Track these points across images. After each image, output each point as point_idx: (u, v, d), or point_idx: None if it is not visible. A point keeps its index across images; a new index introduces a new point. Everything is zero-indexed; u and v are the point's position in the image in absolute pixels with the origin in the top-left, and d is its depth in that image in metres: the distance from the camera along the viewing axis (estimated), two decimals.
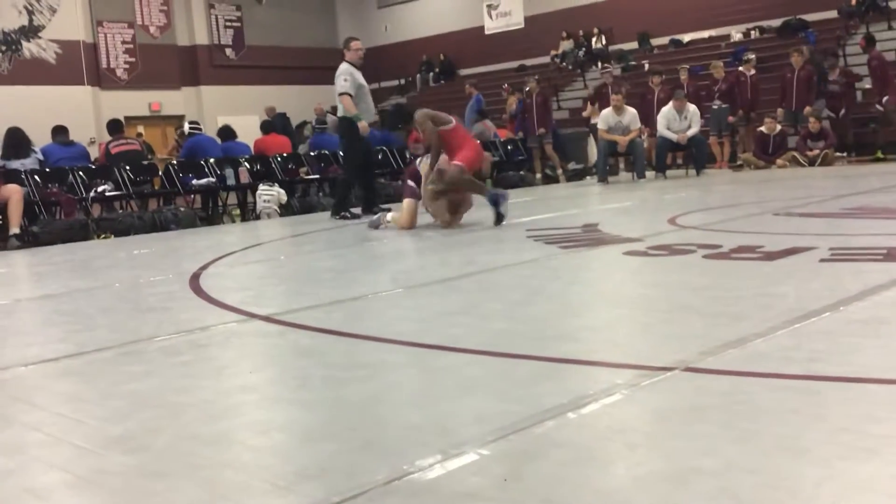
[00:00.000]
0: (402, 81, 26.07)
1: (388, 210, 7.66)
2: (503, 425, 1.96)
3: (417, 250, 5.98)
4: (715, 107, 13.29)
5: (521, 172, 13.86)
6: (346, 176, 9.21)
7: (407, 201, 7.10)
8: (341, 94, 8.65)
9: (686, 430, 1.90)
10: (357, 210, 9.06)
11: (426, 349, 2.82)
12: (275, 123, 13.83)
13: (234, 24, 25.15)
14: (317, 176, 11.83)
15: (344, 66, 8.80)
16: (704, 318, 3.01)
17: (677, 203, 7.75)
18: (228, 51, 25.02)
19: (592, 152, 13.79)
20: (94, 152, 14.02)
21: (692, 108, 12.22)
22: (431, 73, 25.67)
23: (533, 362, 2.55)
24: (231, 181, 10.84)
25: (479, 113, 14.87)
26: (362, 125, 8.65)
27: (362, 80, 8.80)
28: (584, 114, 14.19)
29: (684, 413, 2.01)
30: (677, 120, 12.07)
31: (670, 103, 12.30)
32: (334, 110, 10.53)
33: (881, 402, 1.96)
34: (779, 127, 12.83)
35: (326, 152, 12.23)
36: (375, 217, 7.48)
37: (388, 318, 3.44)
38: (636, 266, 4.43)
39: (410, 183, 7.17)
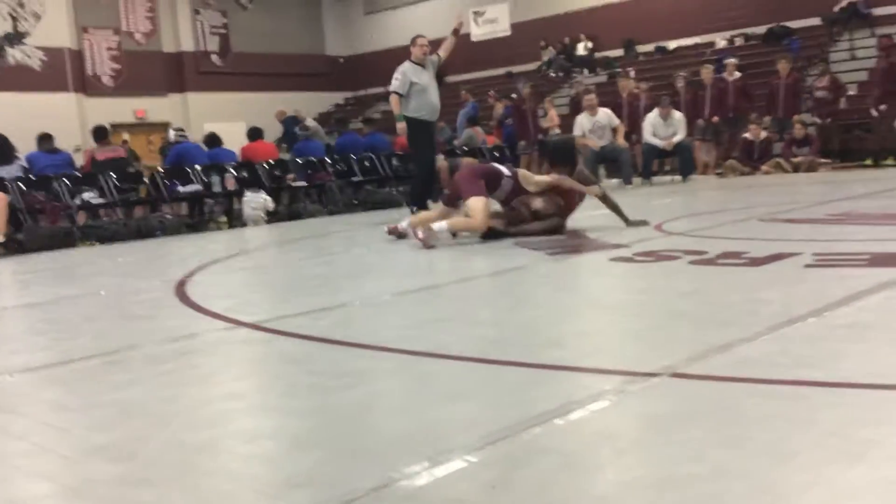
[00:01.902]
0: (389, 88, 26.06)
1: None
2: (491, 431, 1.96)
3: (405, 257, 5.97)
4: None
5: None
6: (417, 171, 9.22)
7: (478, 199, 5.97)
8: (390, 93, 8.71)
9: (673, 435, 1.90)
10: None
11: (414, 356, 2.82)
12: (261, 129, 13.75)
13: (220, 30, 25.12)
14: (304, 183, 11.81)
15: (403, 65, 8.76)
16: (691, 323, 3.02)
17: (663, 209, 7.78)
18: (214, 57, 24.98)
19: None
20: (80, 160, 13.94)
21: (678, 114, 12.29)
22: None
23: (521, 369, 2.55)
24: (217, 188, 10.81)
25: (469, 119, 14.90)
26: (400, 126, 8.65)
27: (419, 78, 8.62)
28: (547, 123, 14.22)
29: (671, 419, 2.01)
30: (663, 126, 12.13)
31: (655, 110, 12.36)
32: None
33: (867, 407, 1.97)
34: (764, 133, 12.91)
35: (313, 159, 12.21)
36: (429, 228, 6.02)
37: (375, 325, 3.43)
38: (623, 272, 4.44)
39: (482, 184, 6.09)
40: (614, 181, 12.69)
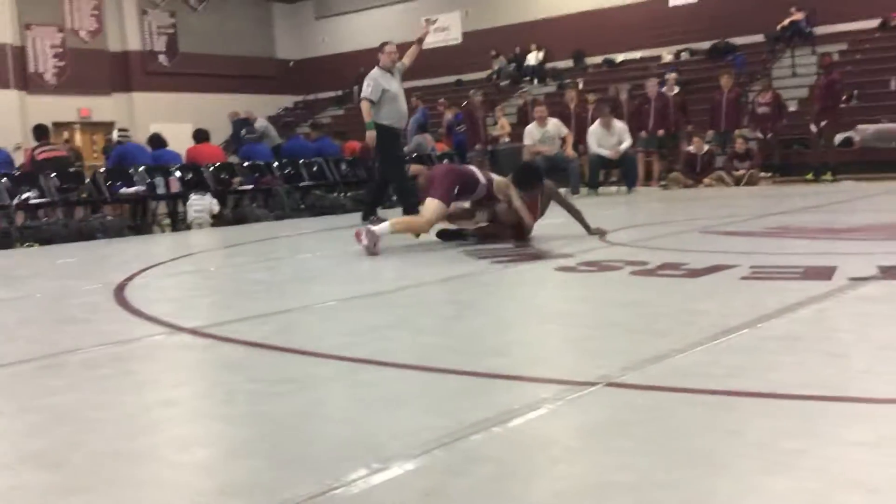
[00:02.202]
0: (340, 93, 26.01)
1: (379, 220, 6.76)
2: (430, 439, 1.97)
3: (351, 264, 5.95)
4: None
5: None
6: (382, 178, 9.18)
7: (436, 202, 5.95)
8: (361, 100, 8.66)
9: (607, 444, 1.93)
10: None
11: (355, 363, 2.81)
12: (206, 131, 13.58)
13: (168, 30, 24.78)
14: (250, 186, 11.70)
15: (373, 71, 8.74)
16: (628, 333, 3.07)
17: (608, 220, 7.87)
18: (161, 57, 24.63)
19: None
20: (20, 158, 13.61)
21: (619, 124, 12.47)
22: None
23: (461, 377, 2.57)
24: (161, 190, 10.65)
25: (419, 126, 14.91)
26: (370, 134, 8.61)
27: (390, 86, 8.61)
28: (498, 131, 14.32)
29: (606, 428, 2.05)
30: (606, 136, 12.28)
31: (598, 121, 12.53)
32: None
33: (795, 417, 2.03)
34: (706, 147, 13.18)
35: (260, 162, 12.10)
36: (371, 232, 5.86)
37: (318, 332, 3.42)
38: (566, 282, 4.49)
39: (455, 190, 6.08)
40: (562, 190, 12.81)
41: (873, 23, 17.19)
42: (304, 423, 2.21)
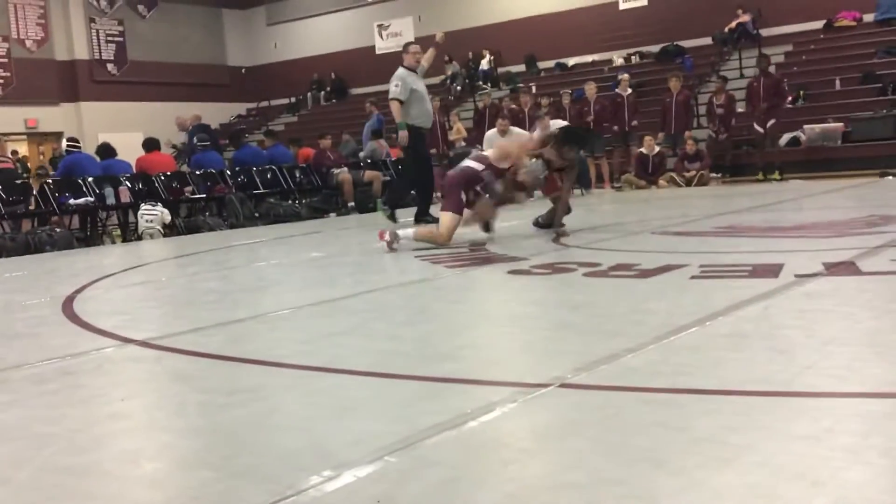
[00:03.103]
0: (293, 99, 25.88)
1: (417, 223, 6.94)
2: (382, 446, 1.97)
3: (305, 270, 5.93)
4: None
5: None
6: (404, 180, 9.22)
7: (449, 215, 6.21)
8: (391, 100, 8.63)
9: (558, 445, 1.95)
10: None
11: (308, 371, 2.80)
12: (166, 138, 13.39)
13: (117, 38, 24.41)
14: (203, 195, 11.58)
15: (399, 71, 8.72)
16: (581, 334, 3.10)
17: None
18: (110, 66, 24.25)
19: None
20: None
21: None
22: (322, 92, 25.57)
23: (414, 382, 2.57)
24: (111, 200, 10.48)
25: (374, 132, 14.88)
26: (402, 134, 8.60)
27: (417, 86, 8.64)
28: (454, 136, 14.37)
29: (557, 428, 2.06)
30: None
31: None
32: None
33: (739, 413, 2.06)
34: (657, 148, 13.36)
35: (212, 171, 11.98)
36: (395, 233, 6.27)
37: (270, 340, 3.40)
38: (520, 285, 4.52)
39: (462, 196, 6.25)
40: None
41: (818, 24, 17.57)
42: (255, 432, 2.19)
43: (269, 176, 12.50)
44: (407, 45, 8.88)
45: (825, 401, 2.14)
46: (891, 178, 11.55)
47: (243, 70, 27.77)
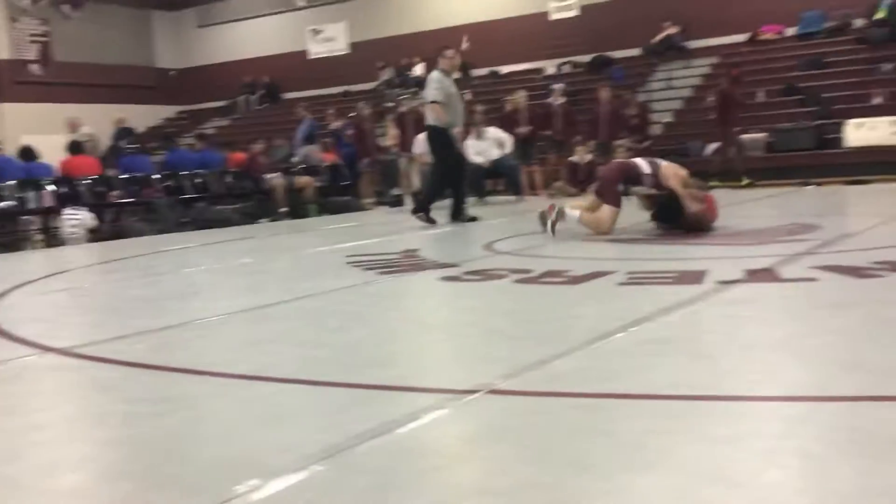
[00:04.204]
0: (225, 103, 25.50)
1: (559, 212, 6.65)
2: (311, 454, 1.95)
3: (235, 277, 5.85)
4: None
5: (346, 197, 13.86)
6: (436, 181, 9.16)
7: (608, 209, 6.44)
8: (432, 102, 8.66)
9: (486, 451, 1.97)
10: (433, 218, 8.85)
11: (236, 379, 2.76)
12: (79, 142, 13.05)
13: (41, 38, 23.69)
14: (131, 199, 11.32)
15: (435, 74, 8.83)
16: (511, 341, 3.12)
17: (495, 228, 8.02)
18: (34, 66, 23.52)
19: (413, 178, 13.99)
20: None
21: (491, 130, 12.71)
22: (255, 96, 25.27)
23: (343, 389, 2.56)
24: (33, 204, 10.16)
25: (307, 137, 14.77)
26: (457, 130, 8.70)
27: (453, 89, 8.77)
28: (389, 142, 14.37)
29: (485, 435, 2.08)
30: (479, 144, 12.48)
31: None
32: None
33: (662, 417, 2.11)
34: (588, 157, 13.56)
35: (140, 174, 11.72)
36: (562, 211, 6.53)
37: (198, 348, 3.34)
38: (451, 291, 4.54)
39: (619, 188, 6.57)
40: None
41: (742, 37, 18.09)
42: (180, 443, 2.16)
43: (198, 180, 12.28)
44: (443, 48, 9.00)
45: (744, 404, 2.21)
46: (811, 187, 11.95)
47: (172, 72, 27.26)
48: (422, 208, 8.92)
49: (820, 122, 14.14)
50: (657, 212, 6.41)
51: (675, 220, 6.25)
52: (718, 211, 6.50)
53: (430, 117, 8.79)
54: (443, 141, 8.74)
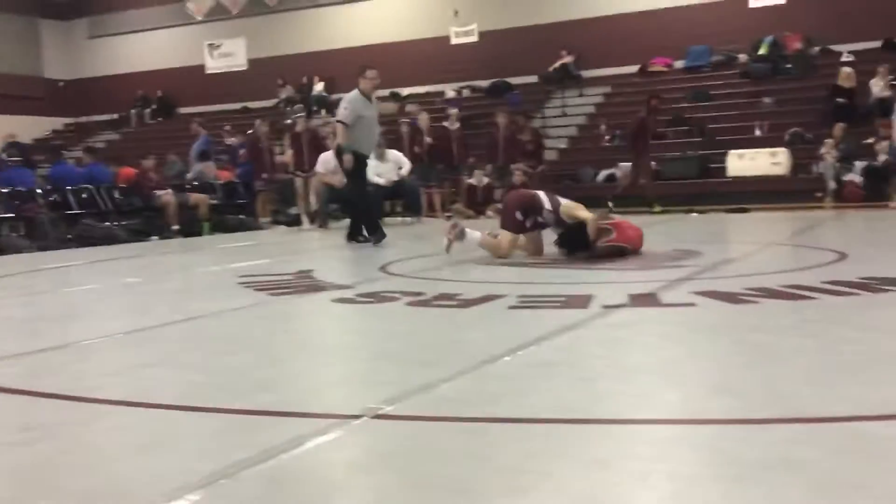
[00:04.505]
0: (116, 116, 24.73)
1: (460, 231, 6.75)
2: (184, 484, 1.90)
3: (119, 297, 5.65)
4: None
5: (241, 216, 13.60)
6: (353, 202, 9.02)
7: (507, 234, 6.59)
8: (336, 121, 8.49)
9: (367, 478, 1.95)
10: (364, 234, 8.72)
11: (111, 405, 2.66)
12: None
13: None
14: (12, 214, 10.81)
15: (350, 94, 8.59)
16: (399, 364, 3.12)
17: (391, 250, 8.02)
18: None
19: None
20: None
21: (392, 153, 12.76)
22: (148, 110, 24.60)
23: (225, 415, 2.50)
24: None
25: (201, 154, 14.44)
26: (346, 157, 8.38)
27: (367, 111, 8.48)
28: (283, 159, 14.23)
29: (367, 461, 2.07)
30: (382, 166, 12.50)
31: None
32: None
33: (541, 440, 2.15)
34: (486, 180, 13.77)
35: (21, 189, 11.22)
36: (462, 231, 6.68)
37: (73, 373, 3.20)
38: (343, 314, 4.51)
39: (518, 216, 6.54)
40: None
41: (634, 68, 18.75)
42: (45, 473, 2.06)
43: (85, 196, 11.84)
44: (364, 68, 8.69)
45: (620, 427, 2.27)
46: (695, 214, 12.43)
47: (61, 83, 26.29)
48: (356, 238, 8.79)
49: (705, 151, 14.77)
50: (560, 239, 6.54)
51: (583, 247, 6.35)
52: (636, 234, 6.61)
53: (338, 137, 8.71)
54: (356, 166, 8.57)
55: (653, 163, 13.99)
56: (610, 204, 13.01)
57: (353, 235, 8.82)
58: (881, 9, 16.29)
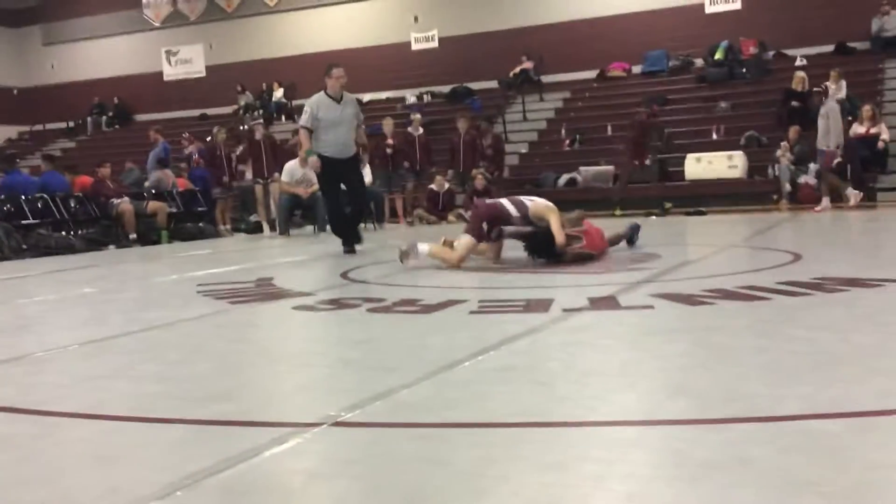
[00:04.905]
0: (72, 124, 24.37)
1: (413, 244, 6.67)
2: (139, 496, 1.88)
3: (74, 308, 5.56)
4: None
5: (201, 224, 13.46)
6: (329, 210, 8.79)
7: (468, 238, 6.43)
8: (300, 128, 8.28)
9: (325, 486, 1.94)
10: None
11: (65, 418, 2.61)
12: None
13: None
14: None
15: (313, 97, 8.25)
16: (359, 371, 3.11)
17: (354, 257, 8.00)
18: None
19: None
20: None
21: None
22: (105, 117, 24.27)
23: (181, 426, 2.47)
24: None
25: (159, 161, 14.27)
26: (312, 160, 8.19)
27: (328, 114, 8.08)
28: (242, 167, 14.14)
29: (326, 469, 2.06)
30: None
31: None
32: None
33: (499, 445, 2.15)
34: (447, 185, 13.79)
35: None
36: (413, 247, 6.58)
37: (25, 386, 3.14)
38: (303, 321, 4.48)
39: (484, 226, 6.44)
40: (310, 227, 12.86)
41: (592, 73, 18.93)
42: None
43: (40, 205, 11.63)
44: (330, 68, 8.34)
45: (577, 430, 2.28)
46: (654, 217, 12.57)
47: (15, 91, 25.84)
48: (347, 242, 8.50)
49: (663, 155, 14.93)
50: (528, 245, 6.50)
51: (551, 253, 6.33)
52: (602, 240, 6.68)
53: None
54: (323, 171, 8.32)
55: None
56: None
57: (349, 243, 8.42)
58: (833, 14, 16.65)
